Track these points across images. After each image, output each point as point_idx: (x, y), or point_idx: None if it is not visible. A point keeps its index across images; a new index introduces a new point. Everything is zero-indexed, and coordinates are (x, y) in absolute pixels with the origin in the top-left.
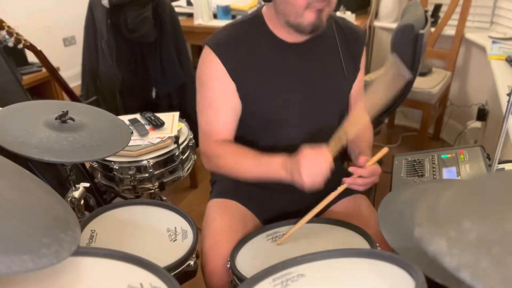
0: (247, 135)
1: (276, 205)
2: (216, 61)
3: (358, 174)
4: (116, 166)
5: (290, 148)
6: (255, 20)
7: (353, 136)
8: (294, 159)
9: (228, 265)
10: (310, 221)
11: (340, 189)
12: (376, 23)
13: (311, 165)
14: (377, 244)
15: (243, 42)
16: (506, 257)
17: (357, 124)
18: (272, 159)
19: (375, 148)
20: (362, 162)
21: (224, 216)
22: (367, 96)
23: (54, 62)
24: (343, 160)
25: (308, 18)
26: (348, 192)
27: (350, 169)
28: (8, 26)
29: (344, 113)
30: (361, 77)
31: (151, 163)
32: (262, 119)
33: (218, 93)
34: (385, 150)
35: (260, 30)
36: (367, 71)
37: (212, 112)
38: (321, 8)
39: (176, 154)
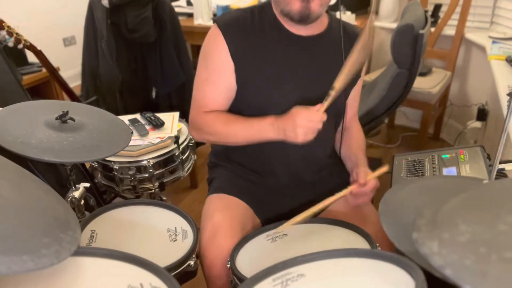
0: None
1: (276, 203)
2: (220, 39)
3: (359, 191)
4: (116, 166)
5: (284, 140)
6: (265, 8)
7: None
8: (286, 118)
9: (228, 265)
10: (310, 221)
11: (339, 195)
12: (376, 23)
13: (305, 121)
14: (377, 244)
15: (250, 27)
16: (490, 256)
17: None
18: (262, 120)
19: (375, 148)
20: (362, 180)
21: (224, 210)
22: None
23: (54, 62)
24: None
25: (295, 5)
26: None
27: (355, 192)
28: (8, 26)
29: (339, 115)
30: (359, 84)
31: (151, 163)
32: (257, 108)
33: (217, 69)
34: (384, 168)
35: (268, 18)
36: (367, 71)
37: (208, 86)
38: None
39: (176, 154)
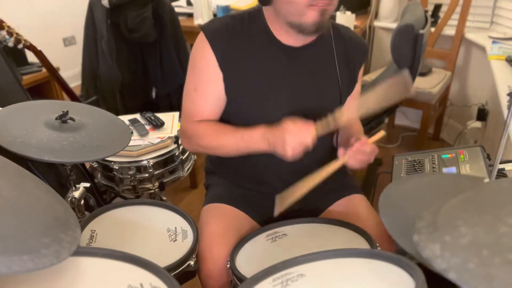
0: None
1: (272, 207)
2: (207, 48)
3: (360, 148)
4: (116, 166)
5: (274, 153)
6: (255, 16)
7: (343, 124)
8: (277, 131)
9: (228, 265)
10: (310, 221)
11: (337, 163)
12: (376, 23)
13: (295, 137)
14: (377, 244)
15: (239, 35)
16: (494, 258)
17: (349, 115)
18: (252, 131)
19: None
20: (364, 140)
21: (218, 220)
22: (363, 95)
23: (54, 62)
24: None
25: (311, 17)
26: (346, 192)
27: (353, 141)
28: (8, 26)
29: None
30: (357, 90)
31: (151, 163)
32: (247, 118)
33: (205, 79)
34: (382, 132)
35: (258, 27)
36: (367, 71)
37: (197, 96)
38: (324, 8)
39: (176, 154)
